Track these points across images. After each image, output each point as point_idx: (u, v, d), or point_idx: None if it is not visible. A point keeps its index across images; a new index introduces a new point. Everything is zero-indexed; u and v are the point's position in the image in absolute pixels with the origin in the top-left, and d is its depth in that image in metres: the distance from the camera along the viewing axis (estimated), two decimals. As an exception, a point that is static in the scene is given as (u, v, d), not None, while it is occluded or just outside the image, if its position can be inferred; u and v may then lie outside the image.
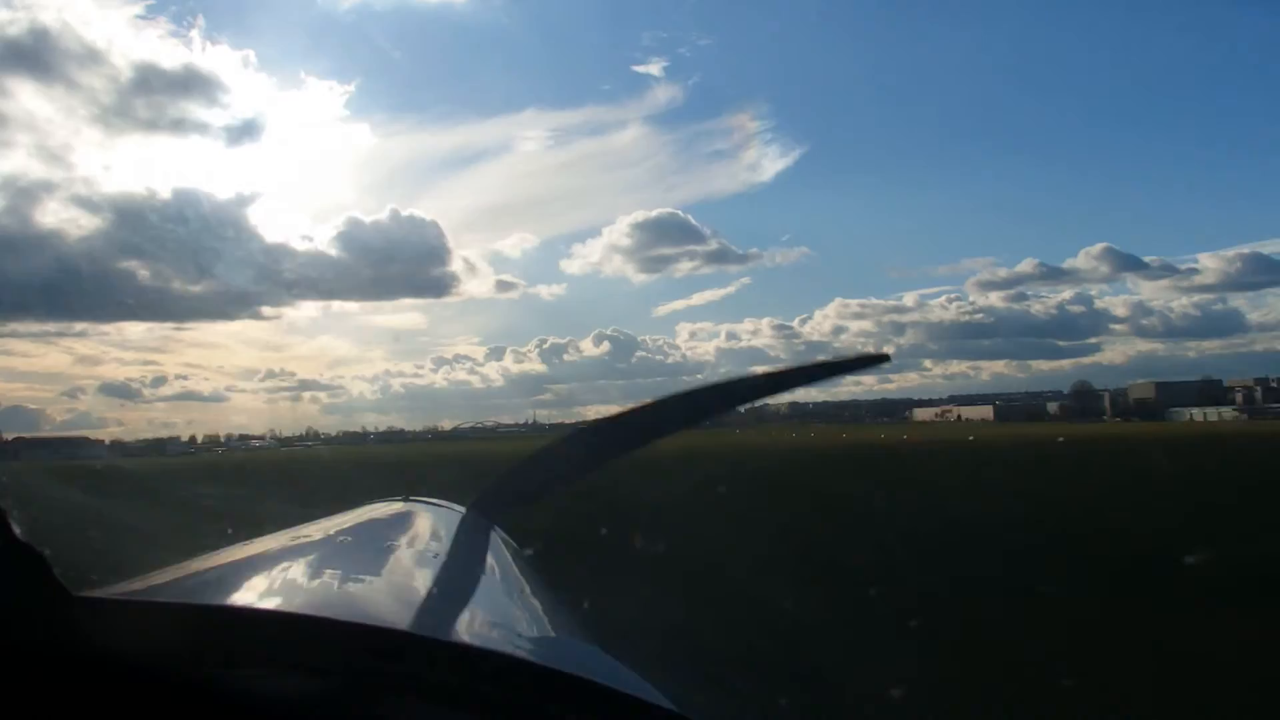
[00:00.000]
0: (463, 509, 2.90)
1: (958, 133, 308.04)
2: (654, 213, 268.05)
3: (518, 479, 3.08)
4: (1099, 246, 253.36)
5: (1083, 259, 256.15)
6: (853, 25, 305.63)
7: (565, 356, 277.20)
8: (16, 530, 0.97)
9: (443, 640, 1.35)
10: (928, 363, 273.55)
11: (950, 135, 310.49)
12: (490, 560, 2.40)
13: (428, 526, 2.68)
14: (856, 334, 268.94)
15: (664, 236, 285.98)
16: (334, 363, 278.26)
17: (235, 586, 1.67)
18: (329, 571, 1.90)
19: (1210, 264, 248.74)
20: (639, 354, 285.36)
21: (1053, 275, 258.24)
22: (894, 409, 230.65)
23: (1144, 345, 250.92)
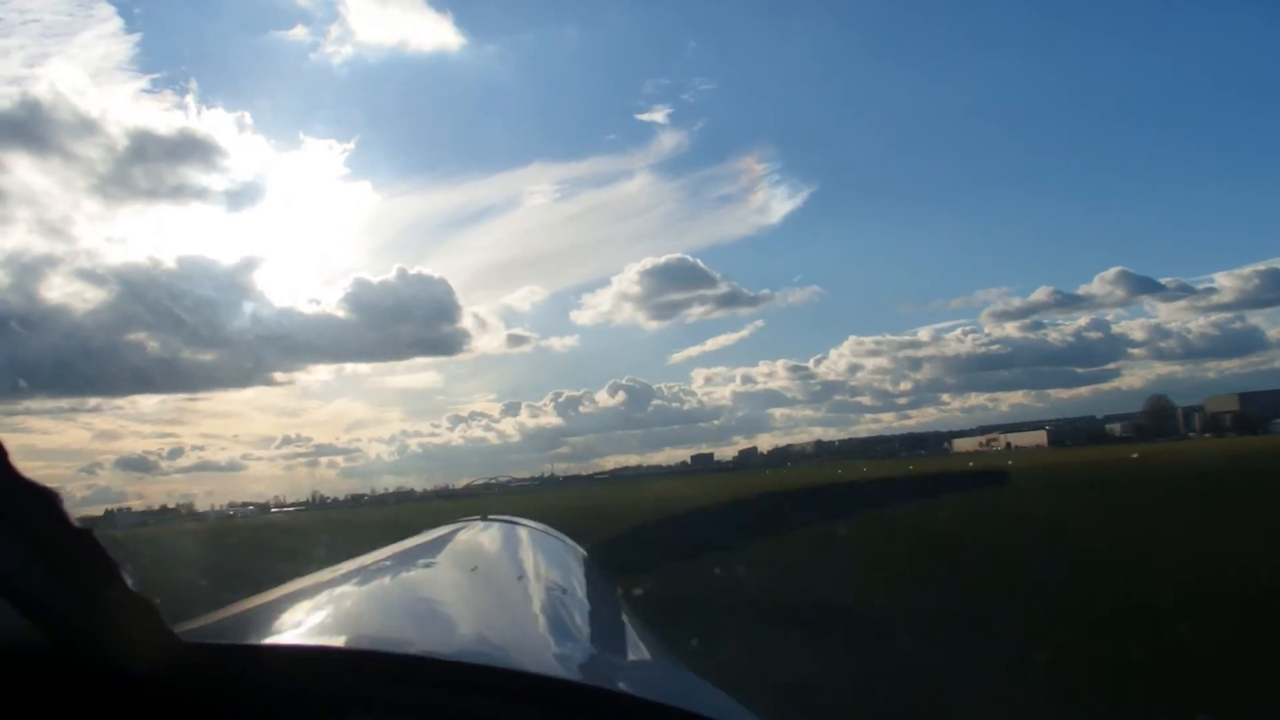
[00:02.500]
0: (542, 527, 3.08)
1: (964, 164, 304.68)
2: (662, 259, 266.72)
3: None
4: (1114, 270, 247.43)
5: (1098, 284, 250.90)
6: (855, 63, 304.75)
7: (581, 409, 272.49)
8: (129, 581, 1.00)
9: (551, 677, 1.34)
10: (945, 396, 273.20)
11: (957, 166, 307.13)
12: (577, 580, 2.45)
13: (510, 546, 2.79)
14: (872, 371, 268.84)
15: (674, 282, 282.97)
16: (350, 426, 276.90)
17: (333, 623, 1.64)
18: (422, 600, 1.95)
19: (1227, 282, 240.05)
20: (655, 402, 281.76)
21: (1068, 302, 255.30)
22: (924, 443, 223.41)
23: (1163, 368, 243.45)
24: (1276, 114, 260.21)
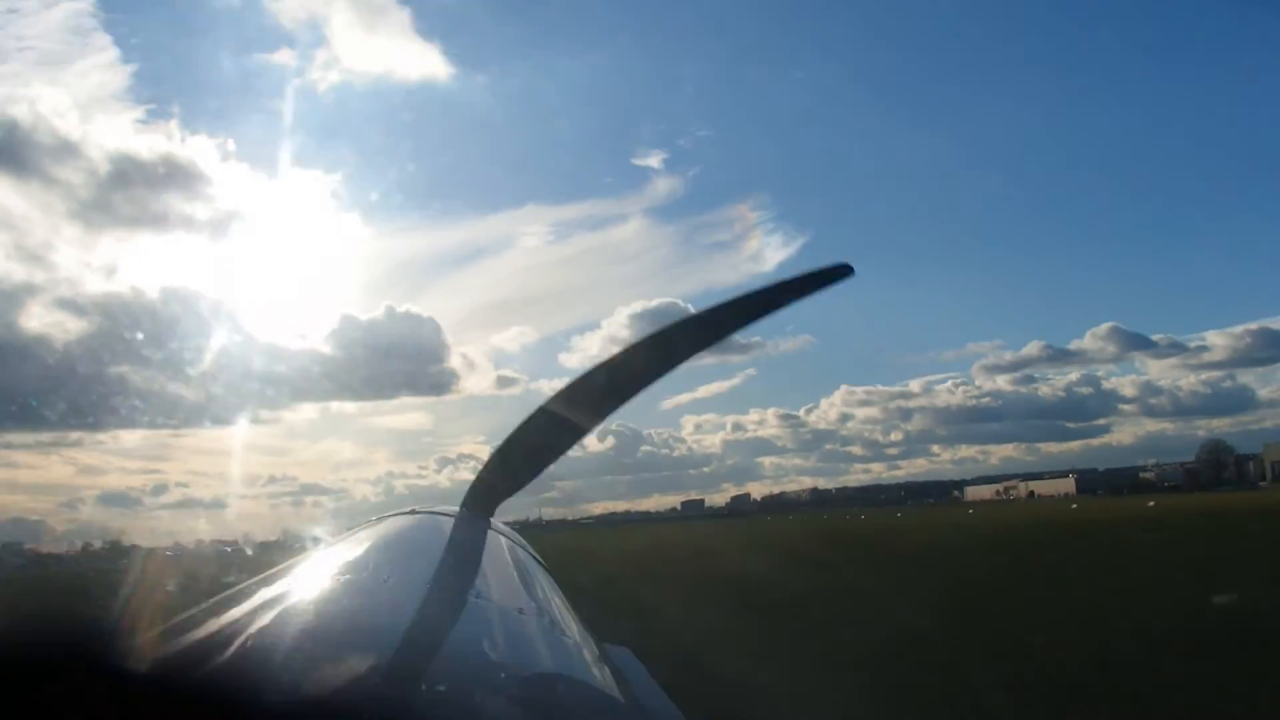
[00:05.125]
0: (469, 514, 2.93)
1: (959, 217, 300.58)
2: (653, 303, 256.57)
3: (498, 470, 3.02)
4: (1105, 326, 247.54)
5: (1090, 340, 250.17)
6: (853, 114, 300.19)
7: (570, 453, 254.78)
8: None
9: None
10: (936, 448, 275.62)
11: (951, 220, 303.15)
12: (496, 565, 2.43)
13: (432, 537, 2.65)
14: (863, 421, 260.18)
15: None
16: (337, 466, 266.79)
17: (249, 653, 1.43)
18: (346, 604, 1.82)
19: (1218, 341, 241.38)
20: (644, 448, 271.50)
21: (1060, 357, 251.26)
22: (928, 491, 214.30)
23: (1153, 425, 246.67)
24: (1270, 178, 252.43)
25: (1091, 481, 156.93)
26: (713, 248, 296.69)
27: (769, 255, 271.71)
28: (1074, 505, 68.65)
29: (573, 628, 2.04)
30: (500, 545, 2.69)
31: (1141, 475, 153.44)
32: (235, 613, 1.67)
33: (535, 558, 2.87)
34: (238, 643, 1.44)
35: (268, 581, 2.02)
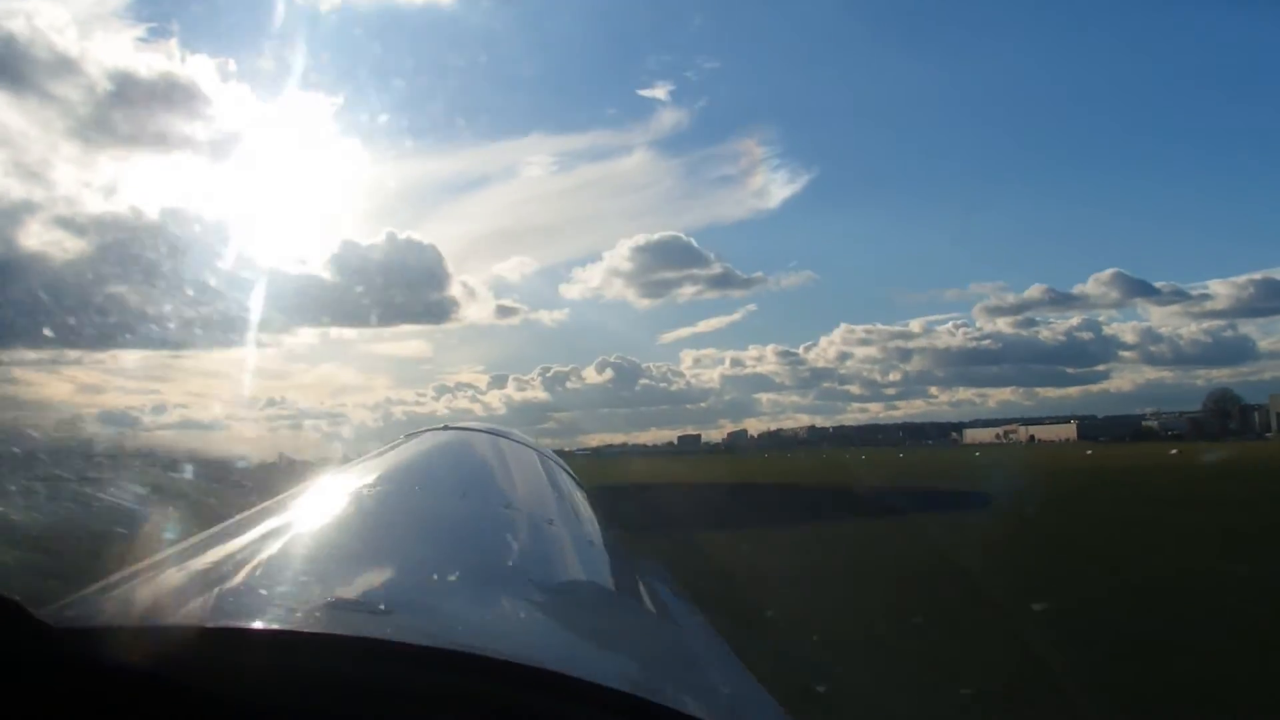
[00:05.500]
0: (505, 430, 3.06)
1: (967, 158, 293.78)
2: (656, 236, 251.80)
3: None
4: (1109, 272, 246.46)
5: (1093, 285, 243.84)
6: (862, 52, 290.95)
7: (568, 384, 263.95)
8: None
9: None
10: (934, 389, 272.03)
11: (960, 160, 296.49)
12: (530, 477, 2.51)
13: (468, 450, 2.71)
14: (862, 359, 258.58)
15: (666, 260, 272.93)
16: (336, 391, 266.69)
17: (255, 587, 1.34)
18: (362, 545, 1.63)
19: (1222, 290, 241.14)
20: (643, 381, 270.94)
21: (1062, 301, 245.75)
22: (925, 433, 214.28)
23: (1152, 373, 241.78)
24: (1273, 117, 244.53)
25: (1092, 428, 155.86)
26: (718, 182, 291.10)
27: (774, 191, 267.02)
28: (1173, 451, 65.04)
29: (602, 540, 2.09)
30: (534, 460, 2.76)
31: (1144, 424, 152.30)
32: (273, 522, 1.69)
33: (570, 473, 2.90)
34: (276, 549, 1.48)
35: (301, 496, 2.03)
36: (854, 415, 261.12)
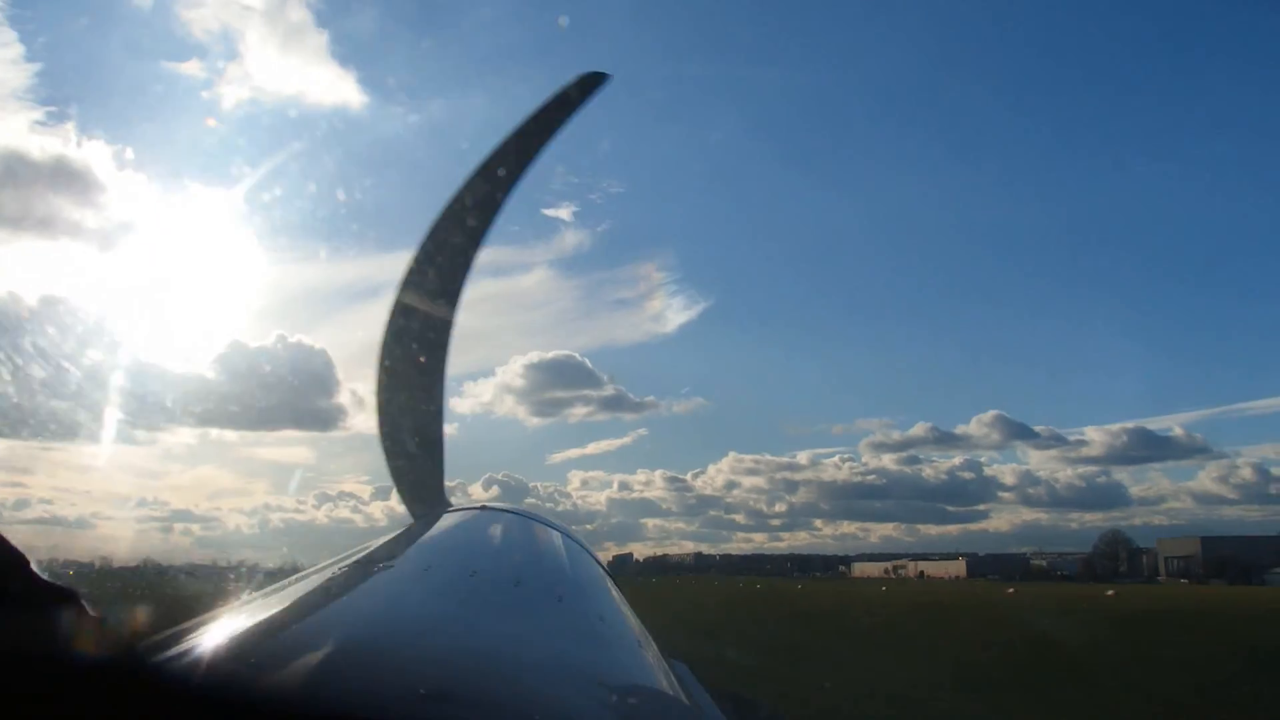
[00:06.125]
0: (539, 518, 2.95)
1: (859, 294, 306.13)
2: (550, 354, 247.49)
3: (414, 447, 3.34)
4: (991, 414, 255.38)
5: (975, 425, 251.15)
6: (763, 185, 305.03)
7: (453, 500, 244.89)
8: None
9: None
10: (818, 522, 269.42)
11: (851, 297, 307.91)
12: (580, 571, 2.44)
13: (510, 543, 2.68)
14: (749, 489, 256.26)
15: (559, 379, 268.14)
16: (213, 494, 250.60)
17: (313, 642, 1.40)
18: (412, 624, 1.65)
19: (1097, 436, 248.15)
20: (529, 500, 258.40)
21: (945, 440, 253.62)
22: (812, 564, 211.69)
23: (1029, 514, 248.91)
24: (1156, 277, 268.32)
25: (979, 565, 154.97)
26: (616, 304, 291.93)
27: (671, 317, 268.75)
28: (1110, 592, 61.00)
29: (643, 637, 2.10)
30: (577, 550, 2.69)
31: (1033, 563, 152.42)
32: (304, 601, 1.73)
33: (601, 565, 2.82)
34: (310, 630, 1.48)
35: (333, 571, 2.02)
36: (739, 544, 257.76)
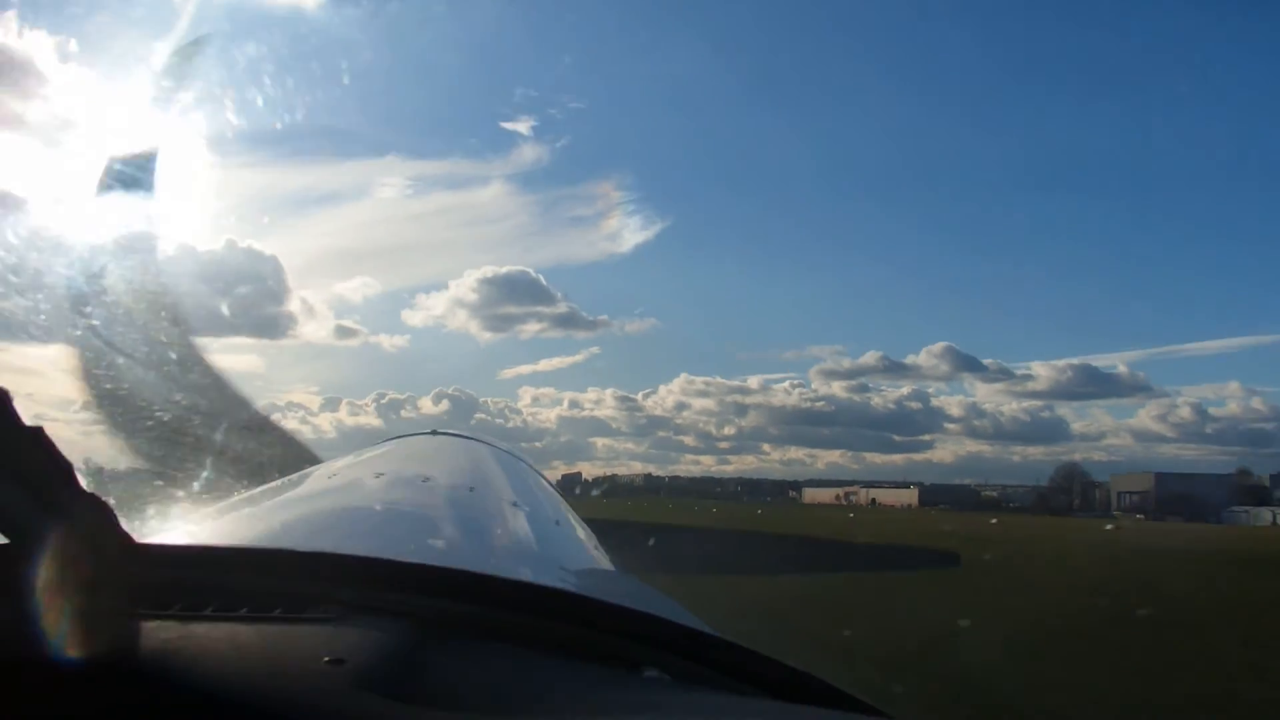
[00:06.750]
0: (490, 442, 3.17)
1: (815, 223, 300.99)
2: (504, 269, 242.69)
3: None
4: (941, 345, 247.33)
5: (925, 356, 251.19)
6: (724, 106, 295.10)
7: (403, 412, 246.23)
8: (83, 483, 1.04)
9: (505, 579, 1.40)
10: (766, 446, 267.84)
11: (808, 225, 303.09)
12: (528, 490, 2.59)
13: (461, 459, 2.84)
14: (699, 411, 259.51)
15: (512, 295, 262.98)
16: None
17: (289, 530, 1.71)
18: (380, 510, 1.95)
19: (1043, 372, 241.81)
20: (479, 415, 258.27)
21: (895, 370, 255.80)
22: (762, 489, 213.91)
23: (973, 446, 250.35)
24: (1105, 226, 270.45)
25: (931, 494, 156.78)
26: (571, 222, 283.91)
27: (627, 236, 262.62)
28: (1109, 526, 58.49)
29: (596, 544, 2.24)
30: (526, 469, 2.93)
31: (983, 494, 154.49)
32: (258, 525, 1.83)
33: (550, 483, 3.07)
34: (278, 528, 1.67)
35: (289, 502, 2.12)
36: (687, 466, 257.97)
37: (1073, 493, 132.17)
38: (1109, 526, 57.12)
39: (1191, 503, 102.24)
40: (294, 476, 2.28)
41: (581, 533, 2.29)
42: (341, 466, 2.47)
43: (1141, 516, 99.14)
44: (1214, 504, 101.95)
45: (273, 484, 2.26)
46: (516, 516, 2.06)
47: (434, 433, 3.19)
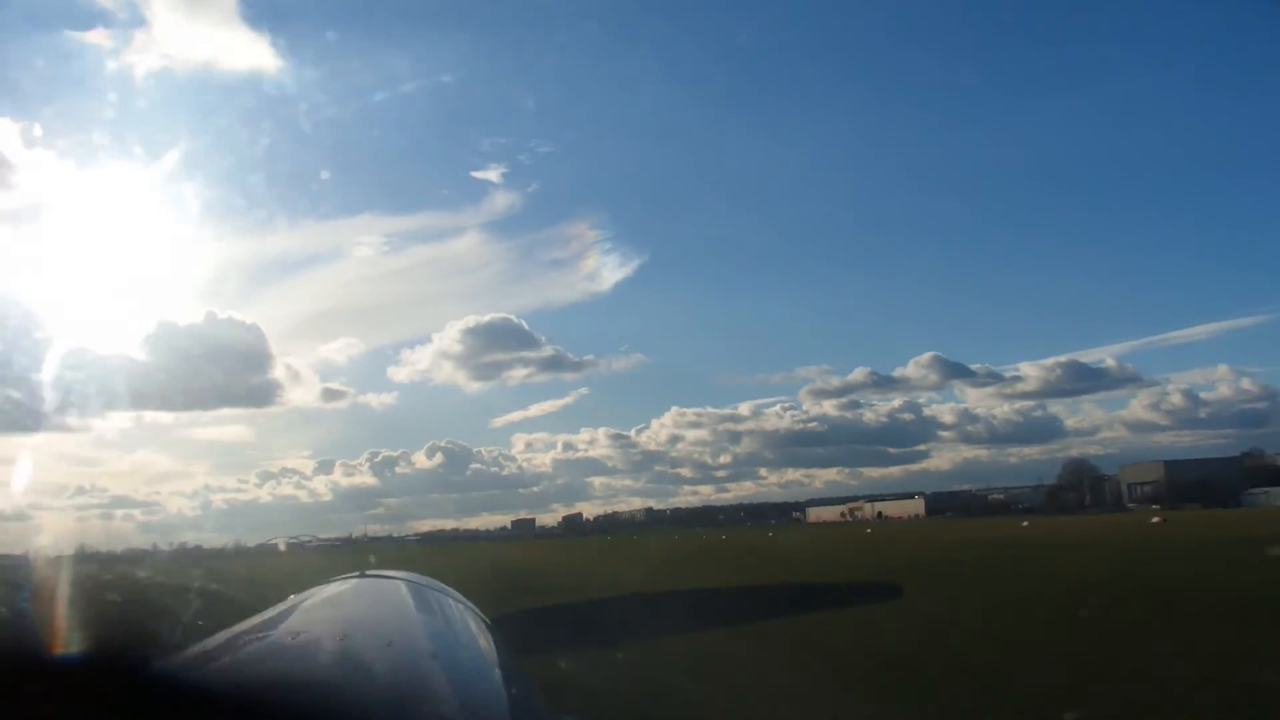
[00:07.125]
0: (420, 578, 3.12)
1: (792, 245, 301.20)
2: (486, 318, 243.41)
3: None
4: (928, 355, 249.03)
5: (913, 368, 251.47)
6: (690, 137, 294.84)
7: (397, 469, 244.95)
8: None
9: None
10: (763, 471, 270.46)
11: (785, 247, 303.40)
12: (458, 631, 2.56)
13: (391, 601, 2.79)
14: (693, 443, 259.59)
15: (496, 342, 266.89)
16: (152, 478, 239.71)
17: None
18: (294, 679, 1.88)
19: (1031, 372, 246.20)
20: (474, 466, 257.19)
21: (884, 384, 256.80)
22: (764, 513, 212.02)
23: (969, 451, 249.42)
24: (1079, 217, 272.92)
25: (936, 503, 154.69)
26: (550, 265, 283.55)
27: (605, 274, 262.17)
28: (1155, 520, 54.26)
29: (524, 690, 2.16)
30: (450, 607, 2.82)
31: (990, 498, 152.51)
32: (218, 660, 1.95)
33: (485, 620, 2.88)
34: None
35: (203, 654, 2.10)
36: (686, 498, 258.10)
37: (1082, 488, 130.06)
38: (1155, 520, 54.82)
39: (1205, 489, 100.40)
40: (216, 641, 2.18)
41: (508, 680, 2.14)
42: (260, 624, 2.40)
43: (1157, 507, 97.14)
44: (1228, 489, 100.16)
45: (195, 650, 2.13)
46: (434, 673, 2.00)
47: (362, 575, 3.13)
